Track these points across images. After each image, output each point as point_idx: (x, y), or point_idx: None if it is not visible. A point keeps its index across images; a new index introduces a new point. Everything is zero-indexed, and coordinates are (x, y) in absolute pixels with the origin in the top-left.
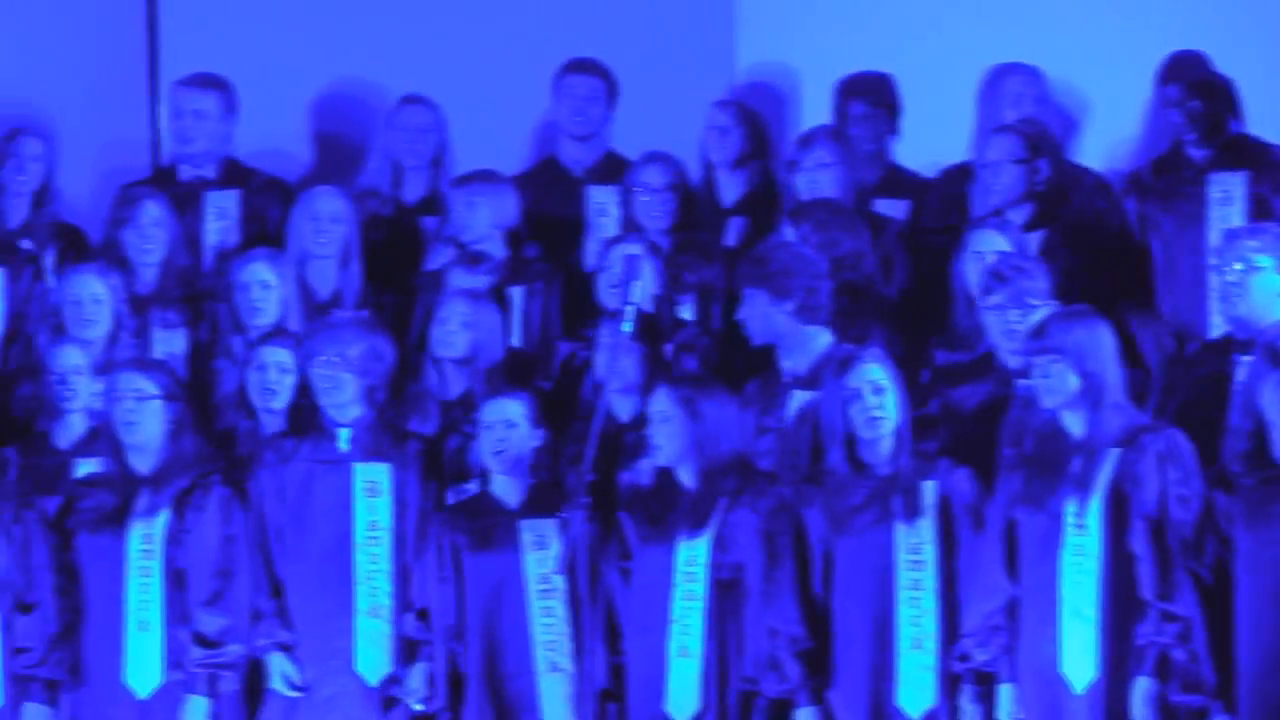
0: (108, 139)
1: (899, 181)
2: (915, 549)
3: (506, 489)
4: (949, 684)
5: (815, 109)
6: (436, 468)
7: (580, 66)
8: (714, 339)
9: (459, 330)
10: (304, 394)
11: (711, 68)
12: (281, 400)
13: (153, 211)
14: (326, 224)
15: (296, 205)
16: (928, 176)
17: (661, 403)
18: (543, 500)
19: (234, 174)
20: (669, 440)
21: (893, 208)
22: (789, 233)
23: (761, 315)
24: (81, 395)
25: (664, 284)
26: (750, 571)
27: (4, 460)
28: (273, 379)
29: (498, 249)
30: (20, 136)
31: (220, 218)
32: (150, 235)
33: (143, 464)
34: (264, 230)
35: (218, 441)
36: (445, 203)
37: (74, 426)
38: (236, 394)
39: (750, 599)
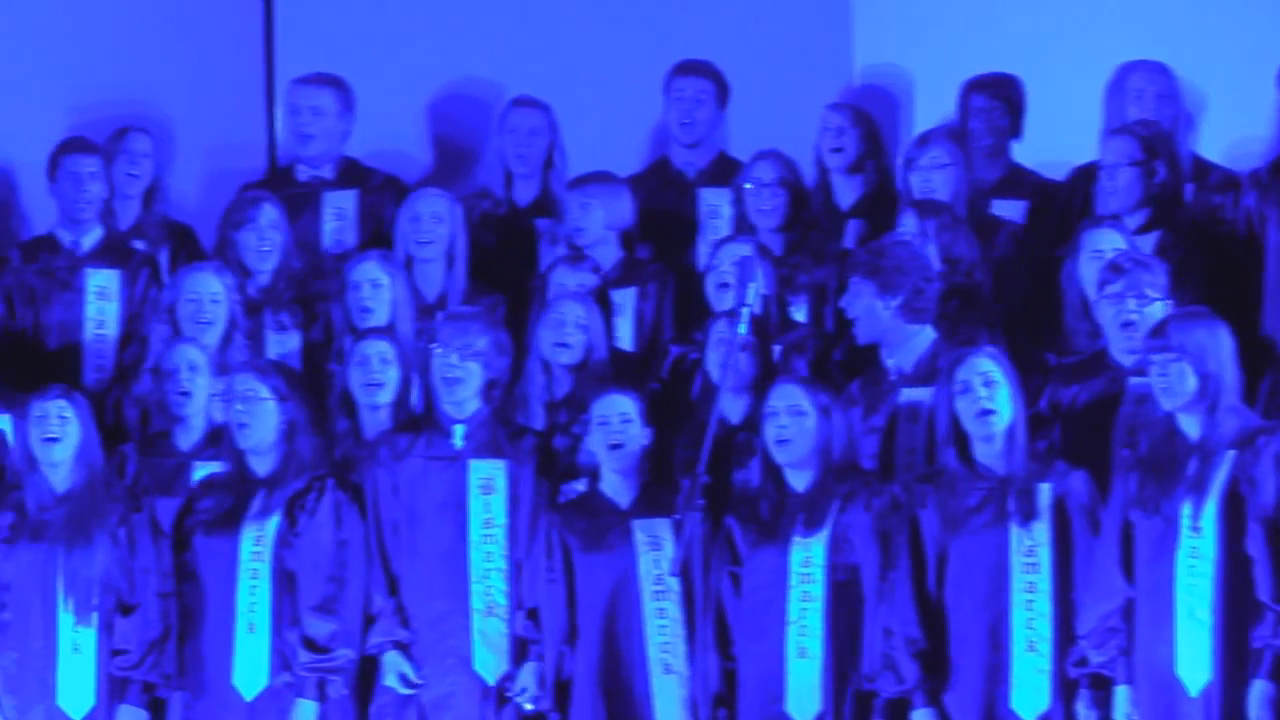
0: (223, 140)
1: (1019, 181)
2: (1030, 551)
3: (617, 488)
4: (1063, 687)
5: (929, 112)
6: (548, 465)
7: (688, 68)
8: (825, 340)
9: (573, 331)
10: (406, 391)
11: (829, 71)
12: (386, 395)
13: (270, 214)
14: (429, 224)
15: (401, 207)
16: (1048, 178)
17: (784, 401)
18: (654, 500)
19: (352, 174)
20: (797, 438)
21: (1011, 209)
22: (910, 224)
23: (867, 309)
24: (199, 395)
25: (775, 285)
26: (866, 572)
27: (122, 457)
28: (375, 369)
29: (612, 250)
30: (129, 134)
31: (338, 218)
32: (267, 238)
33: (260, 466)
34: (381, 230)
35: (331, 440)
36: (557, 204)
37: (194, 428)
38: (339, 394)
39: (866, 600)
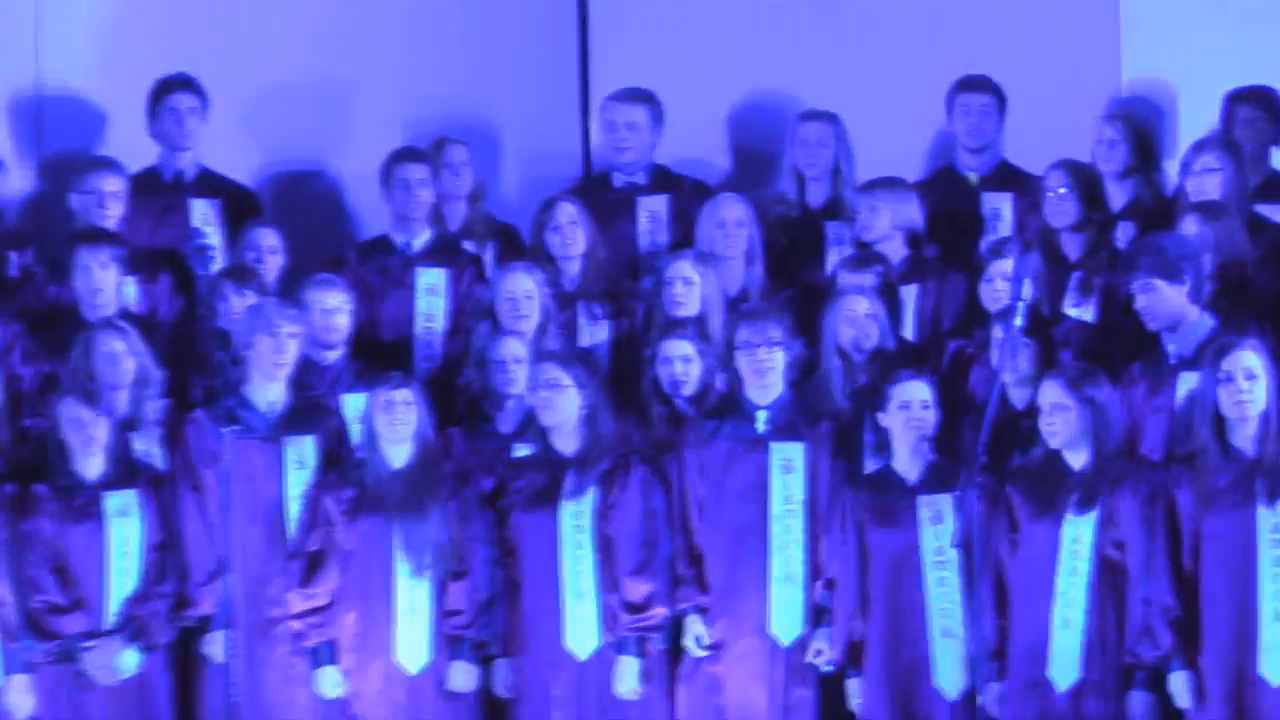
0: (542, 150)
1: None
2: (1276, 529)
3: (908, 466)
4: None
5: (1193, 121)
6: (845, 447)
7: (973, 84)
8: (1097, 332)
9: (866, 324)
10: (713, 379)
11: (1098, 83)
12: (690, 387)
13: (569, 211)
14: (732, 228)
15: (703, 210)
16: None
17: (1053, 393)
18: (939, 478)
19: (663, 180)
20: (1064, 427)
21: (1273, 212)
22: (1190, 225)
23: (1160, 298)
24: (520, 383)
25: (1053, 280)
26: (1132, 551)
27: (449, 439)
28: (679, 370)
29: (898, 249)
30: (447, 145)
31: (651, 220)
32: (569, 234)
33: (565, 447)
34: (690, 231)
35: (644, 424)
36: (846, 207)
37: (513, 412)
38: (651, 384)
39: (1131, 577)
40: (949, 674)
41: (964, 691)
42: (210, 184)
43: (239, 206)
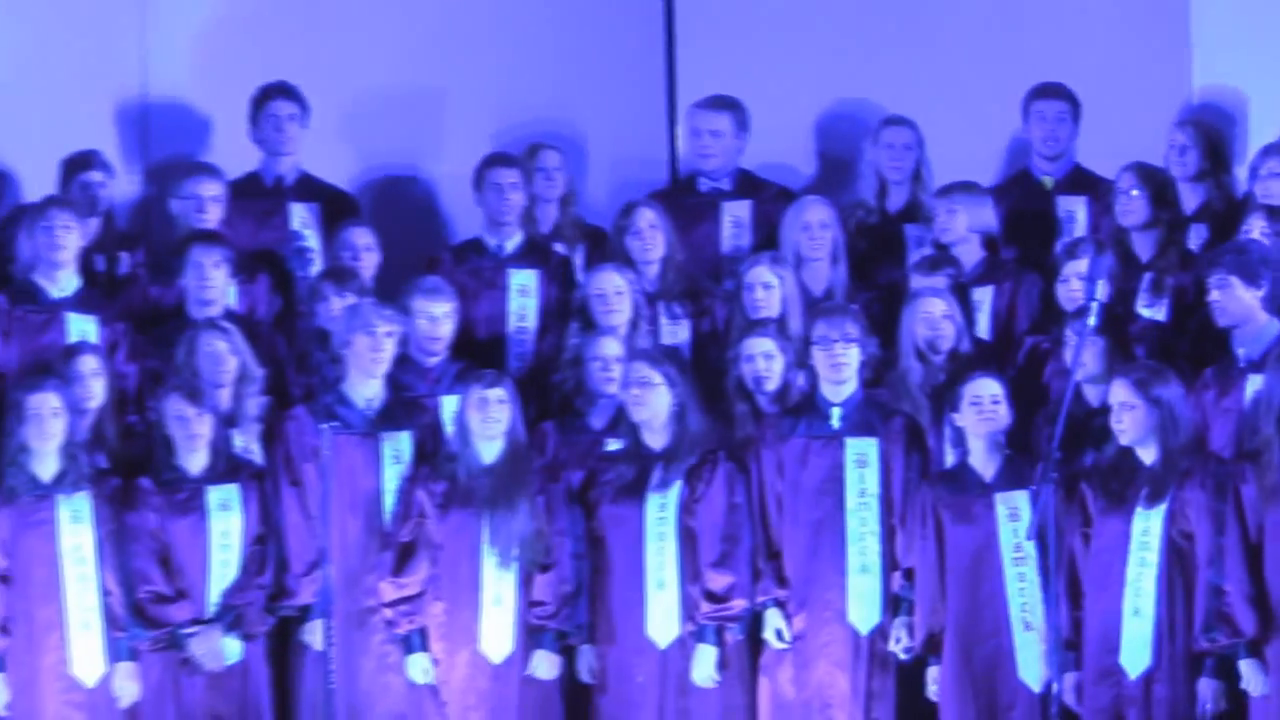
0: (630, 155)
1: None
2: None
3: (984, 463)
4: None
5: (1264, 126)
6: (922, 445)
7: (1048, 91)
8: (1169, 331)
9: (942, 323)
10: (791, 378)
11: (1169, 90)
12: (773, 384)
13: (648, 216)
14: (816, 230)
15: (787, 214)
16: None
17: (1122, 393)
18: (1015, 474)
19: (747, 185)
20: (1132, 425)
21: None
22: (1259, 225)
23: (1233, 297)
24: (615, 382)
25: (1126, 282)
26: (1200, 541)
27: (543, 434)
28: (761, 367)
29: (974, 251)
30: (540, 151)
31: (735, 225)
32: (649, 238)
33: (654, 442)
34: (773, 235)
35: (729, 423)
36: (924, 211)
37: (606, 410)
38: (735, 382)
39: (1199, 568)
40: (1030, 666)
41: (1046, 682)
42: (309, 188)
43: (337, 210)
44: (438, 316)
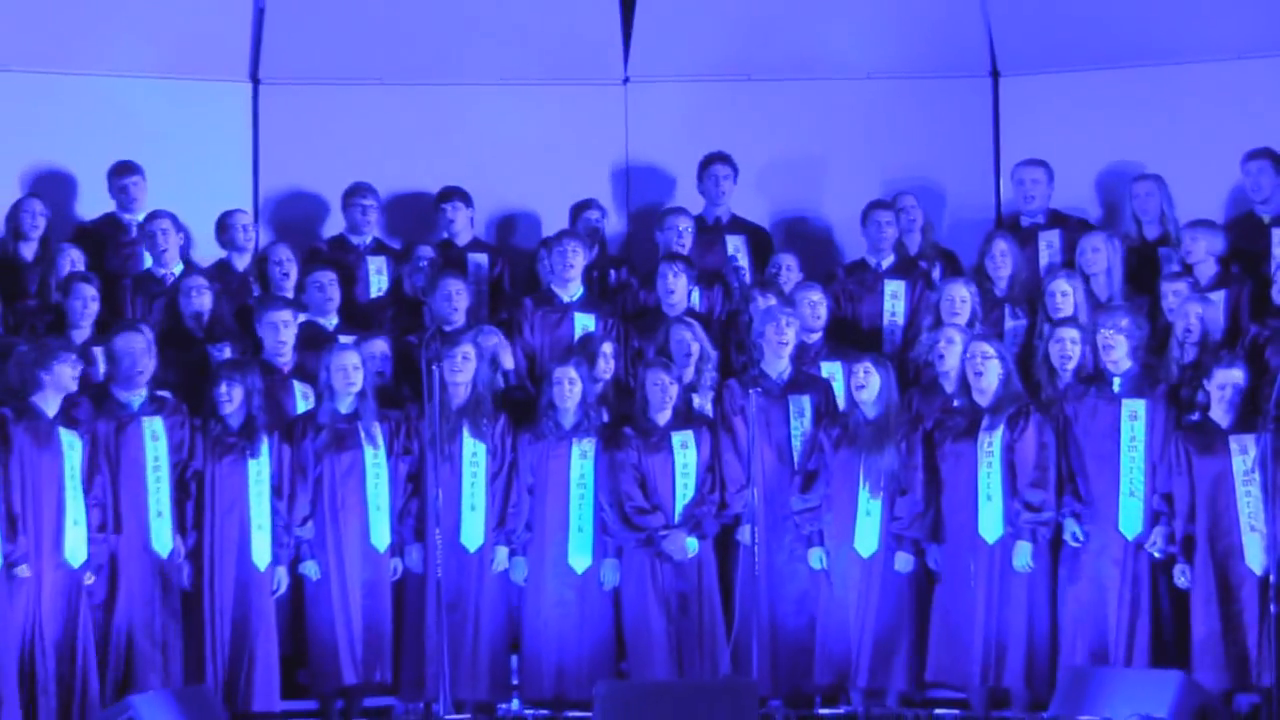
0: (966, 201)
1: None
2: None
3: (1222, 416)
4: None
5: None
6: (1175, 402)
7: (1258, 154)
8: None
9: (1193, 321)
10: (1084, 357)
11: None
12: (1073, 361)
13: (1000, 245)
14: (1089, 255)
15: (1080, 242)
16: None
17: None
18: (1244, 422)
19: (1056, 219)
20: None
21: None
22: None
23: None
24: (955, 358)
25: None
26: None
27: (908, 396)
28: (1069, 349)
29: (1210, 268)
30: (901, 196)
31: (1048, 248)
32: (999, 263)
33: (984, 400)
34: (1075, 254)
35: (1039, 388)
36: (1173, 239)
37: (952, 379)
38: (1044, 358)
39: None
40: (1255, 557)
41: (1265, 569)
42: (739, 225)
43: (759, 240)
44: (815, 301)
